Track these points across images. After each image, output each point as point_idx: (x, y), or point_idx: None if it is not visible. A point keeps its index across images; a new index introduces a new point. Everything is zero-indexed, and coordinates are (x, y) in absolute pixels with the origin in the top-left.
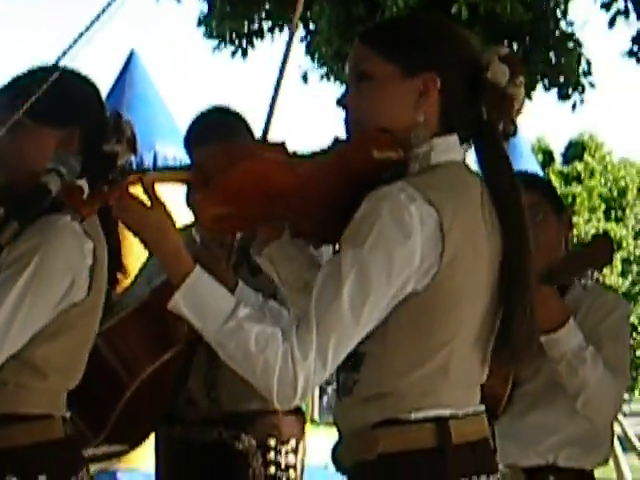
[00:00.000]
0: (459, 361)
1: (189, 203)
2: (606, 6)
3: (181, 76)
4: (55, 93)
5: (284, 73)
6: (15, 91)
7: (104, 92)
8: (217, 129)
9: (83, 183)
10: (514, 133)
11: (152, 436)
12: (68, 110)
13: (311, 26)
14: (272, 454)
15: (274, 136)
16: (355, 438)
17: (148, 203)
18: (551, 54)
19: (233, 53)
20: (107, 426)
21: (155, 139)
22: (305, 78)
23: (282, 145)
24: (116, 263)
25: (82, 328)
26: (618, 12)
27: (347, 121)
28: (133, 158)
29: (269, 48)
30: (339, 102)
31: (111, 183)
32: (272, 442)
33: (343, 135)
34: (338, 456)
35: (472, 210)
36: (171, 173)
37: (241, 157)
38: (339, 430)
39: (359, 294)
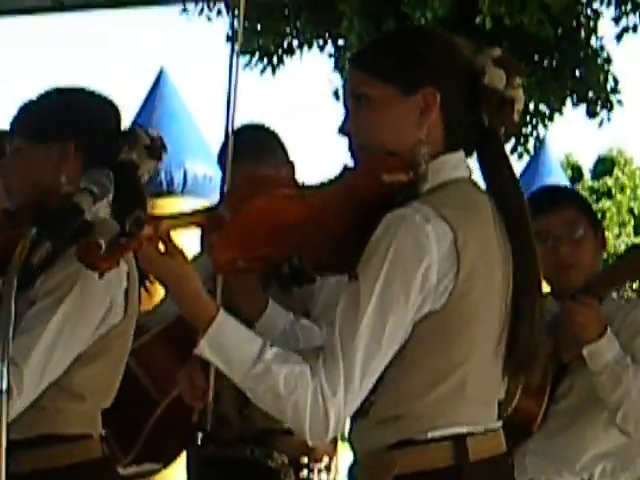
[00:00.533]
0: (476, 379)
1: (203, 247)
2: (615, 20)
3: (211, 93)
4: (47, 114)
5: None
6: (16, 119)
7: (134, 110)
8: (250, 146)
9: (101, 240)
10: (516, 131)
11: (183, 455)
12: (60, 127)
13: (340, 42)
14: (305, 472)
15: (305, 153)
16: (371, 460)
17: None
18: (580, 70)
19: (263, 70)
20: (137, 445)
21: (185, 157)
22: (337, 95)
23: (291, 177)
24: (141, 280)
25: (117, 350)
26: (625, 29)
27: (351, 148)
28: (163, 176)
29: (298, 65)
30: (341, 130)
31: (128, 236)
32: (304, 460)
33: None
34: (355, 478)
35: (485, 226)
36: (184, 218)
37: (251, 196)
38: (354, 452)
39: (379, 320)
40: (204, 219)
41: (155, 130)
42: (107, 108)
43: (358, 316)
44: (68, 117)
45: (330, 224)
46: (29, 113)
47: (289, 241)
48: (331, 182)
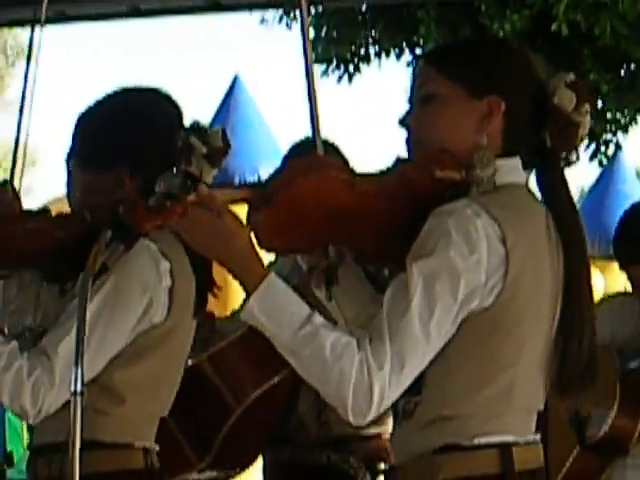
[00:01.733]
0: (523, 385)
1: (249, 223)
2: None
3: (285, 100)
4: (103, 133)
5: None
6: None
7: (209, 117)
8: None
9: (148, 203)
10: (576, 161)
11: (260, 459)
12: (112, 154)
13: (417, 50)
14: (381, 478)
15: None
16: (416, 464)
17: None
18: None
19: (340, 78)
20: (213, 450)
21: (259, 163)
22: None
23: (345, 164)
24: (205, 282)
25: (164, 351)
26: None
27: (409, 141)
28: (237, 181)
29: (376, 73)
30: (401, 122)
31: (173, 199)
32: (381, 465)
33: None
34: None
35: (536, 233)
36: (231, 191)
37: (301, 174)
38: (397, 455)
39: (427, 308)
40: (252, 193)
41: (219, 129)
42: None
43: (407, 301)
44: (123, 144)
45: (379, 214)
46: (87, 133)
47: (335, 224)
48: (383, 173)
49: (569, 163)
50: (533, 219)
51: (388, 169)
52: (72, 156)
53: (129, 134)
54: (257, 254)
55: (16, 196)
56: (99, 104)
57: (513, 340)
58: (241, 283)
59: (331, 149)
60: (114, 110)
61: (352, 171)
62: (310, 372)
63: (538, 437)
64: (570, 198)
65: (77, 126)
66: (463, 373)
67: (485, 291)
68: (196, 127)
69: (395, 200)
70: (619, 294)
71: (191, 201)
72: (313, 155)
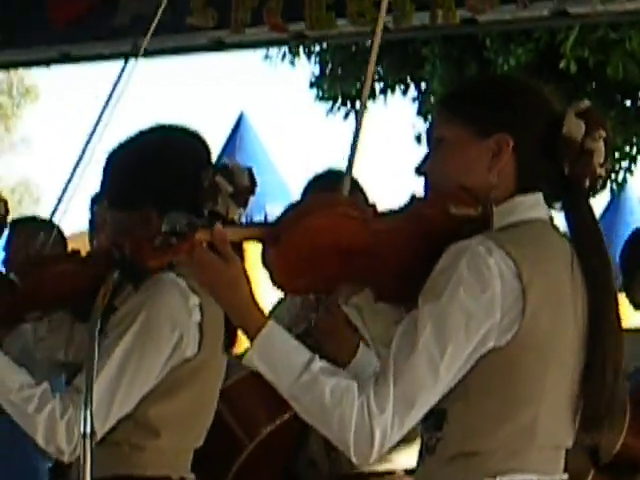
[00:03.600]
0: (546, 421)
1: (262, 261)
2: None
3: (291, 137)
4: (132, 177)
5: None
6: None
7: (215, 154)
8: (330, 190)
9: (157, 239)
10: (602, 188)
11: None
12: (136, 194)
13: (423, 85)
14: None
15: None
16: None
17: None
18: None
19: (346, 115)
20: None
21: (265, 200)
22: (419, 139)
23: (361, 201)
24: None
25: (197, 385)
26: None
27: (426, 188)
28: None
29: (382, 110)
30: (417, 170)
31: (180, 237)
32: None
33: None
34: None
35: (556, 267)
36: (243, 229)
37: (312, 212)
38: None
39: (436, 349)
40: (264, 232)
41: (246, 169)
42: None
43: (415, 342)
44: (150, 183)
45: (395, 252)
46: (115, 173)
47: (348, 263)
48: (399, 210)
49: (594, 192)
50: (554, 254)
51: (404, 207)
52: (101, 195)
53: (155, 174)
54: (257, 303)
55: (61, 236)
56: (128, 143)
57: (533, 376)
58: (241, 329)
59: (354, 185)
60: (141, 150)
61: (372, 208)
62: (312, 417)
63: (565, 477)
64: (595, 229)
65: (106, 166)
66: (483, 409)
67: (501, 328)
68: (223, 166)
69: (411, 238)
70: None
71: (201, 240)
72: (325, 193)
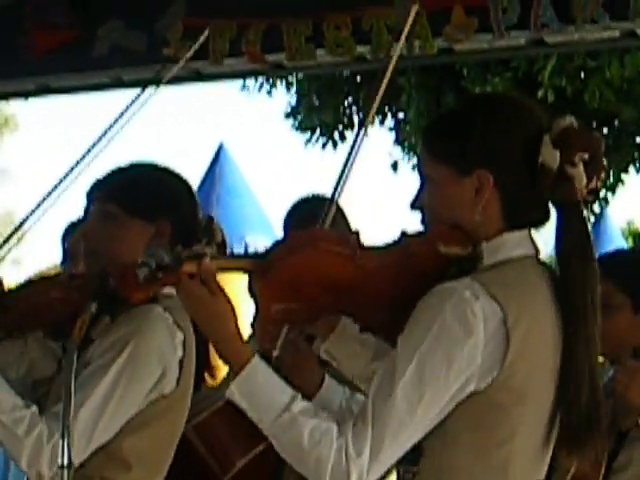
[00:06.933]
0: (520, 459)
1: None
2: None
3: (270, 167)
4: (147, 187)
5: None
6: (110, 184)
7: (194, 185)
8: (313, 216)
9: (138, 271)
10: (589, 215)
11: None
12: (159, 204)
13: (400, 115)
14: None
15: (367, 225)
16: None
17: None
18: None
19: (324, 145)
20: None
21: (245, 231)
22: (395, 167)
23: (350, 236)
24: (204, 361)
25: (169, 421)
26: None
27: (423, 221)
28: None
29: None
30: (412, 205)
31: (165, 270)
32: None
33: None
34: None
35: (541, 307)
36: (230, 261)
37: (300, 247)
38: None
39: (416, 393)
40: (251, 264)
41: (217, 210)
42: (187, 189)
43: (394, 384)
44: (163, 195)
45: (381, 286)
46: (123, 181)
47: (334, 297)
48: (387, 246)
49: (589, 204)
50: (538, 291)
51: (393, 243)
52: (76, 225)
53: (170, 187)
54: (242, 337)
55: None
56: (111, 175)
57: (510, 417)
58: (225, 362)
59: (337, 211)
60: (124, 186)
61: (355, 235)
62: (290, 457)
63: None
64: (582, 248)
65: (117, 176)
66: (458, 446)
67: (482, 372)
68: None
69: (397, 274)
70: None
71: (189, 273)
72: (312, 228)
